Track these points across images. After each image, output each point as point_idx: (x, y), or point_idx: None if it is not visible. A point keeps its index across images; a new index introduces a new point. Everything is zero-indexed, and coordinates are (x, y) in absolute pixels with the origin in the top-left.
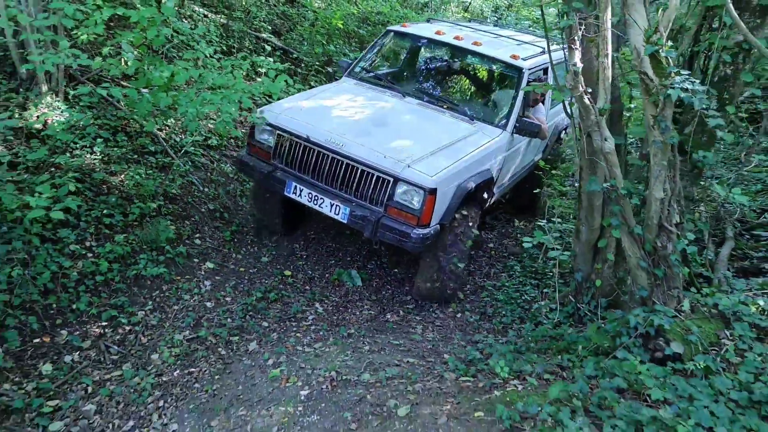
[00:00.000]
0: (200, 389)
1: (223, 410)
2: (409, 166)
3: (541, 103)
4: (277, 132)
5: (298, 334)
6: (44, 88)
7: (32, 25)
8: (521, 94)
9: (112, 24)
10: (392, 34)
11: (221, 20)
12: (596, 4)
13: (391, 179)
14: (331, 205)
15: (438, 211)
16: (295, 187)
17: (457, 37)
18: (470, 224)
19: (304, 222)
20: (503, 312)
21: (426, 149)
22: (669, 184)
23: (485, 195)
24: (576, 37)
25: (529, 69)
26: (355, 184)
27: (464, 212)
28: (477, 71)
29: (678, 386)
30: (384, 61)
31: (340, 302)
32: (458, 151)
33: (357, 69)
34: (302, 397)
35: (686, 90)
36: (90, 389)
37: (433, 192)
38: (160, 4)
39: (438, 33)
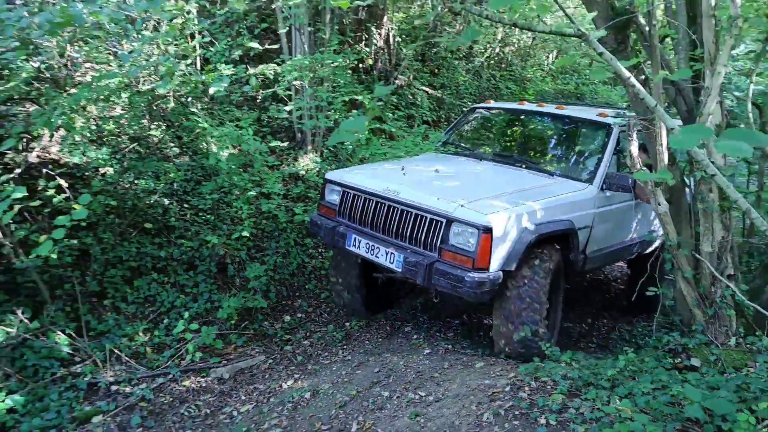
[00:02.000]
0: (372, 340)
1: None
2: (462, 206)
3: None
4: (342, 189)
5: None
6: (309, 147)
7: (304, 107)
8: (610, 149)
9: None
10: (476, 110)
11: (437, 94)
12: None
13: (444, 221)
14: (387, 254)
15: (498, 255)
16: (355, 239)
17: (539, 105)
18: (545, 272)
19: (390, 302)
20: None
21: (486, 193)
22: (722, 239)
23: (572, 252)
24: (634, 131)
25: (620, 127)
26: (409, 230)
27: (537, 260)
28: (560, 133)
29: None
30: (466, 134)
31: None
32: (525, 196)
33: (437, 144)
34: None
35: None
36: (308, 333)
37: (488, 231)
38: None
39: (521, 103)
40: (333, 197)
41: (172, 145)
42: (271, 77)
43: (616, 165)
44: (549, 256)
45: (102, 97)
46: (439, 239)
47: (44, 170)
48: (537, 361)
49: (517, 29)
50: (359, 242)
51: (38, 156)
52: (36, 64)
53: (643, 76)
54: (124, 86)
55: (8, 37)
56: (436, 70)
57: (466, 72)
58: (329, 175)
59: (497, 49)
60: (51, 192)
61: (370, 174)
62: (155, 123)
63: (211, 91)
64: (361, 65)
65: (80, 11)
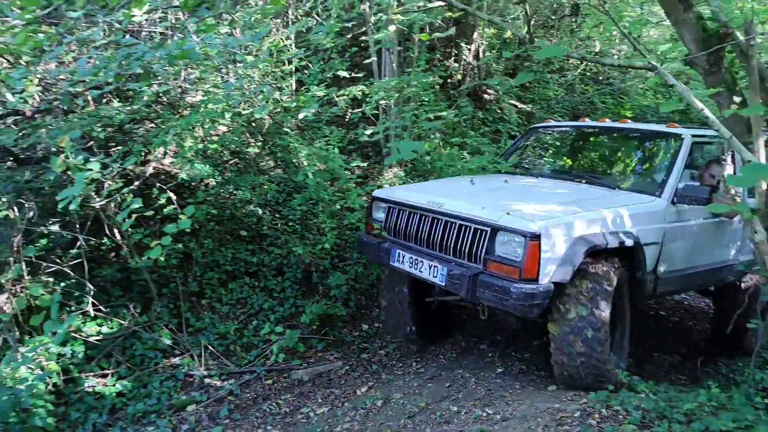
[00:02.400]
0: (446, 355)
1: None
2: (508, 213)
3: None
4: (387, 205)
5: None
6: (394, 161)
7: (390, 128)
8: (681, 160)
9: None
10: (536, 130)
11: (527, 109)
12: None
13: (489, 230)
14: (430, 267)
15: (548, 265)
16: (399, 254)
17: (601, 120)
18: (604, 289)
19: (445, 331)
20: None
21: (535, 201)
22: None
23: (639, 271)
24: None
25: (693, 136)
26: (453, 242)
27: (595, 275)
28: (624, 146)
29: None
30: (526, 154)
31: None
32: (580, 207)
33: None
34: None
35: None
36: (384, 343)
37: (536, 238)
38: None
39: (582, 120)
40: (379, 214)
41: (268, 159)
42: (359, 97)
43: (690, 180)
44: (609, 271)
45: (208, 119)
46: (484, 250)
47: (157, 183)
48: (611, 388)
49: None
50: (403, 257)
51: (154, 169)
52: (155, 89)
53: (740, 99)
54: (227, 109)
55: (134, 68)
56: (528, 84)
57: (559, 86)
58: (376, 193)
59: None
60: (163, 201)
61: (416, 189)
62: (253, 140)
63: (301, 115)
64: (449, 81)
65: (194, 45)
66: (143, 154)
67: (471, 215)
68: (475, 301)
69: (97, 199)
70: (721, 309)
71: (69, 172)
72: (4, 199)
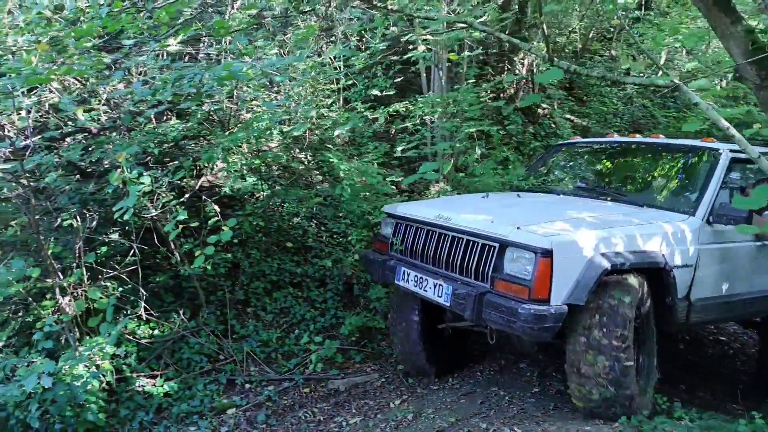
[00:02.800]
0: (483, 371)
1: None
2: (519, 228)
3: None
4: (395, 221)
5: None
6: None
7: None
8: (718, 176)
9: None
10: (562, 147)
11: (582, 123)
12: None
13: (497, 245)
14: (435, 286)
15: (561, 284)
16: (404, 272)
17: (631, 135)
18: (625, 314)
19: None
20: None
21: (552, 217)
22: None
23: (669, 296)
24: None
25: (732, 152)
26: (459, 259)
27: (616, 297)
28: (655, 163)
29: None
30: (550, 171)
31: None
32: (600, 223)
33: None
34: None
35: None
36: None
37: (547, 254)
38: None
39: (609, 136)
40: (387, 230)
41: (316, 173)
42: (403, 112)
43: (728, 198)
44: (632, 294)
45: (254, 136)
46: (492, 267)
47: (206, 196)
48: (645, 414)
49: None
50: (408, 275)
51: (208, 181)
52: (207, 108)
53: None
54: (271, 126)
55: (186, 88)
56: (584, 98)
57: (618, 99)
58: (385, 208)
59: (659, 74)
60: (210, 213)
61: (426, 204)
62: (302, 155)
63: (336, 132)
64: (501, 95)
65: (240, 67)
66: (195, 168)
67: (479, 230)
68: (480, 323)
69: (152, 211)
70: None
71: (126, 186)
72: (70, 210)
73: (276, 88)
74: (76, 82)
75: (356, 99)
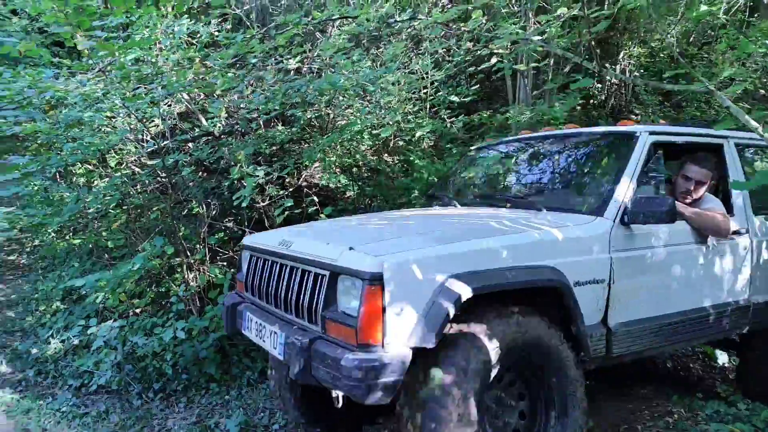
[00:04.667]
0: None
1: None
2: (351, 248)
3: (707, 192)
4: (249, 252)
5: None
6: None
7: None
8: (632, 166)
9: None
10: (475, 151)
11: None
12: None
13: (328, 273)
14: (271, 335)
15: (399, 321)
16: (248, 317)
17: (546, 129)
18: (496, 354)
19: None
20: None
21: (400, 233)
22: None
23: (575, 323)
24: None
25: (653, 134)
26: (295, 295)
27: (484, 332)
28: (564, 158)
29: None
30: (457, 181)
31: None
32: (464, 233)
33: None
34: None
35: None
36: None
37: (376, 281)
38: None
39: (524, 132)
40: (243, 266)
41: (401, 176)
42: (486, 119)
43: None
44: (509, 327)
45: (347, 139)
46: (322, 303)
47: (307, 190)
48: None
49: None
50: (251, 321)
51: (305, 180)
52: (309, 115)
53: None
54: (362, 130)
55: (294, 98)
56: (683, 104)
57: (719, 106)
58: (244, 240)
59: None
60: (310, 204)
61: (287, 230)
62: (391, 157)
63: (418, 134)
64: (591, 101)
65: (339, 79)
66: (297, 167)
67: (313, 255)
68: (311, 383)
69: (261, 202)
70: (749, 361)
71: (243, 181)
72: (197, 200)
73: (368, 98)
74: (201, 93)
75: (441, 106)
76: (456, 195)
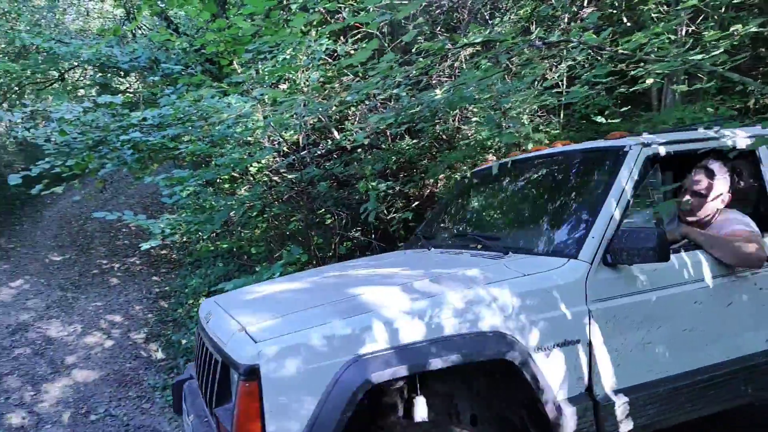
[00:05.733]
0: None
1: None
2: (243, 330)
3: (731, 209)
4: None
5: None
6: None
7: None
8: (617, 188)
9: None
10: (469, 178)
11: None
12: None
13: (221, 361)
14: (188, 425)
15: (282, 424)
16: (184, 399)
17: (534, 149)
18: None
19: None
20: None
21: (315, 301)
22: None
23: (542, 399)
24: None
25: (647, 146)
26: (205, 384)
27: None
28: (543, 185)
29: None
30: (443, 218)
31: None
32: (386, 297)
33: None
34: None
35: None
36: None
37: (252, 376)
38: None
39: (513, 155)
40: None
41: None
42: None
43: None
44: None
45: (470, 155)
46: (215, 396)
47: (428, 204)
48: None
49: None
50: (185, 404)
51: (430, 191)
52: (438, 129)
53: None
54: (491, 138)
55: (425, 113)
56: None
57: None
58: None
59: None
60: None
61: (233, 295)
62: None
63: (529, 146)
64: (755, 105)
65: (471, 92)
66: (422, 180)
67: (214, 335)
68: None
69: (387, 215)
70: None
71: (368, 193)
72: (328, 211)
73: (500, 110)
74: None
75: (577, 117)
76: (433, 235)
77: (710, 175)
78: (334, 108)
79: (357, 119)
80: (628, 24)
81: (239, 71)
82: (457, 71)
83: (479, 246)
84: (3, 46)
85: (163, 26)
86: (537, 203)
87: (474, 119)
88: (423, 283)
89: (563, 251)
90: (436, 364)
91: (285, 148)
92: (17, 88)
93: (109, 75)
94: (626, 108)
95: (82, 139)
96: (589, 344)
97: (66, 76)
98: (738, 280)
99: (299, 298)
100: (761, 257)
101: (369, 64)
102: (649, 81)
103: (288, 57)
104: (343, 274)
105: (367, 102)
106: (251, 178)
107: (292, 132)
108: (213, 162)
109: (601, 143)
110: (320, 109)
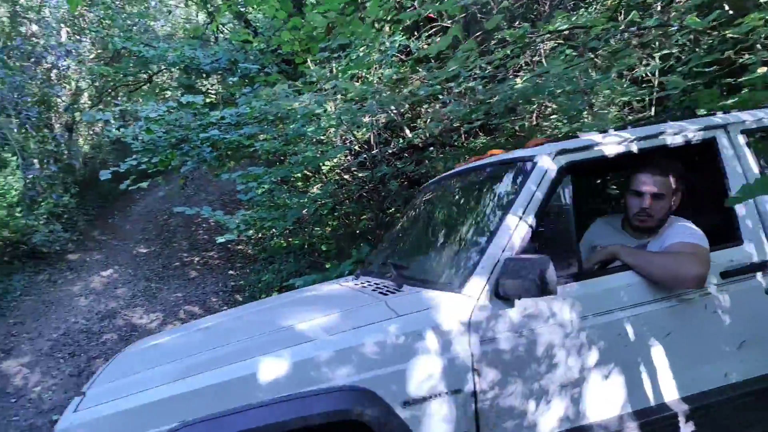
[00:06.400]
0: None
1: None
2: (83, 393)
3: (677, 217)
4: None
5: None
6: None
7: None
8: (518, 210)
9: None
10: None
11: None
12: None
13: None
14: None
15: None
16: None
17: (492, 153)
18: None
19: None
20: None
21: (173, 356)
22: None
23: None
24: None
25: (564, 154)
26: None
27: None
28: (451, 205)
29: None
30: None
31: None
32: (241, 350)
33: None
34: None
35: None
36: None
37: None
38: None
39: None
40: None
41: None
42: None
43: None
44: None
45: None
46: None
47: None
48: None
49: None
50: None
51: None
52: (516, 127)
53: None
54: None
55: (500, 108)
56: None
57: None
58: None
59: None
60: None
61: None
62: None
63: None
64: None
65: (553, 83)
66: None
67: None
68: None
69: None
70: None
71: None
72: (398, 209)
73: (587, 97)
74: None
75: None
76: (371, 261)
77: (663, 172)
78: (407, 98)
79: (430, 117)
80: (730, 12)
81: (312, 68)
82: (535, 67)
83: (391, 275)
84: (99, 51)
85: (242, 27)
86: (446, 226)
87: (553, 117)
88: (280, 336)
89: (451, 284)
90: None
91: (356, 147)
92: (111, 91)
93: (192, 77)
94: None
95: (166, 137)
96: (474, 394)
97: (154, 78)
98: (681, 304)
99: (159, 355)
100: (701, 276)
101: (444, 59)
102: (761, 70)
103: (361, 54)
104: (218, 324)
105: (440, 96)
106: (323, 177)
107: (364, 130)
108: (287, 160)
109: (514, 153)
110: (394, 100)
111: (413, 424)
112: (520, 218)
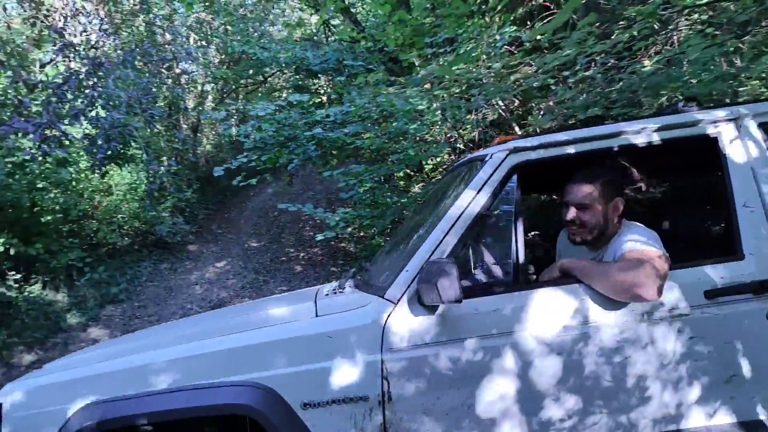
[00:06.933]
0: None
1: None
2: (41, 369)
3: (633, 222)
4: None
5: None
6: None
7: None
8: (454, 214)
9: None
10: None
11: None
12: None
13: None
14: None
15: None
16: None
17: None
18: None
19: None
20: None
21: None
22: None
23: None
24: None
25: (517, 153)
26: None
27: None
28: (431, 203)
29: None
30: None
31: None
32: (175, 339)
33: None
34: None
35: None
36: None
37: None
38: None
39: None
40: None
41: None
42: None
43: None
44: None
45: None
46: None
47: None
48: None
49: None
50: None
51: None
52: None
53: None
54: None
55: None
56: None
57: None
58: None
59: None
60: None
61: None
62: None
63: None
64: None
65: (683, 74)
66: None
67: None
68: None
69: None
70: None
71: None
72: None
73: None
74: (516, 100)
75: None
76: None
77: (589, 179)
78: (515, 89)
79: (542, 112)
80: None
81: (417, 64)
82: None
83: (360, 278)
84: (223, 56)
85: (350, 26)
86: (410, 228)
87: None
88: (204, 329)
89: (381, 288)
90: (158, 414)
91: (461, 145)
92: (231, 92)
93: (303, 77)
94: None
95: (276, 135)
96: (381, 404)
97: (269, 80)
98: (641, 324)
99: (120, 342)
100: (647, 285)
101: (558, 49)
102: None
103: (468, 48)
104: (191, 318)
105: (553, 87)
106: (425, 176)
107: (469, 128)
108: (389, 159)
109: (482, 150)
110: (501, 90)
111: (314, 426)
112: (456, 220)
